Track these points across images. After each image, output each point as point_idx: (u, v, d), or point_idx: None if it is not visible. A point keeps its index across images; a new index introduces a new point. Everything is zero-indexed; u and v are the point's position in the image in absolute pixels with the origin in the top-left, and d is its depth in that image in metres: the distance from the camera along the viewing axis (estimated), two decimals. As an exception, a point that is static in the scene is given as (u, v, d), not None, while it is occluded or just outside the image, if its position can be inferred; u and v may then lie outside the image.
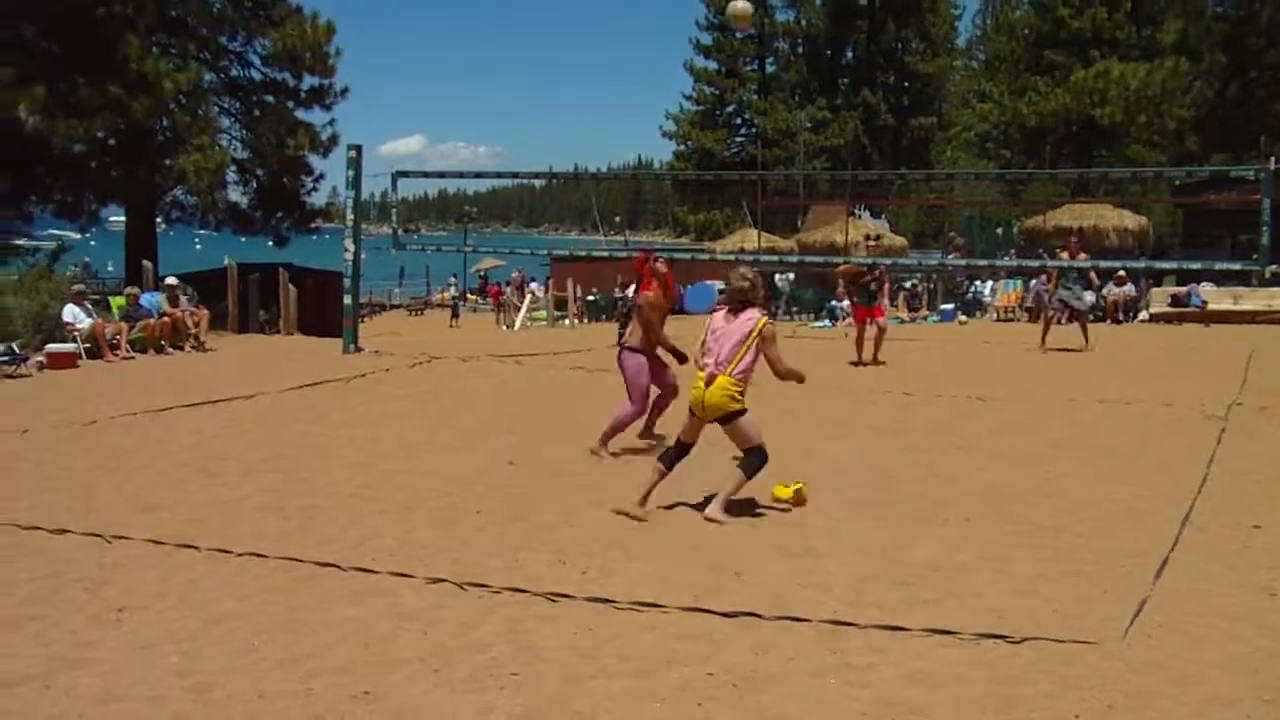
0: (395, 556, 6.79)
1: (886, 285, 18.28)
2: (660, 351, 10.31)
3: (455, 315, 40.74)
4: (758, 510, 8.06)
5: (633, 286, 15.83)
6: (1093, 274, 19.29)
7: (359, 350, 17.69)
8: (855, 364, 16.75)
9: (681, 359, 10.18)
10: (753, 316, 7.93)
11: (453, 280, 50.92)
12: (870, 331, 16.98)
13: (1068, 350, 18.21)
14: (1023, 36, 60.49)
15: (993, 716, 4.53)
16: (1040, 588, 6.15)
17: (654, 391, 10.39)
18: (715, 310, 8.35)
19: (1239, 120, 36.29)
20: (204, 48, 28.85)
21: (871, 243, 19.59)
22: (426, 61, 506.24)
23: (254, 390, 13.59)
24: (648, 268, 10.43)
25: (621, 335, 11.58)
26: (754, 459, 7.91)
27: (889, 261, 34.11)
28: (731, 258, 32.85)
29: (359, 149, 17.90)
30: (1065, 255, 18.36)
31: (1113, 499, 8.29)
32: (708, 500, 7.95)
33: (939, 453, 10.15)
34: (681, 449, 8.22)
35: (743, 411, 7.87)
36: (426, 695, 4.80)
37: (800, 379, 8.29)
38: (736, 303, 8.02)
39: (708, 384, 7.84)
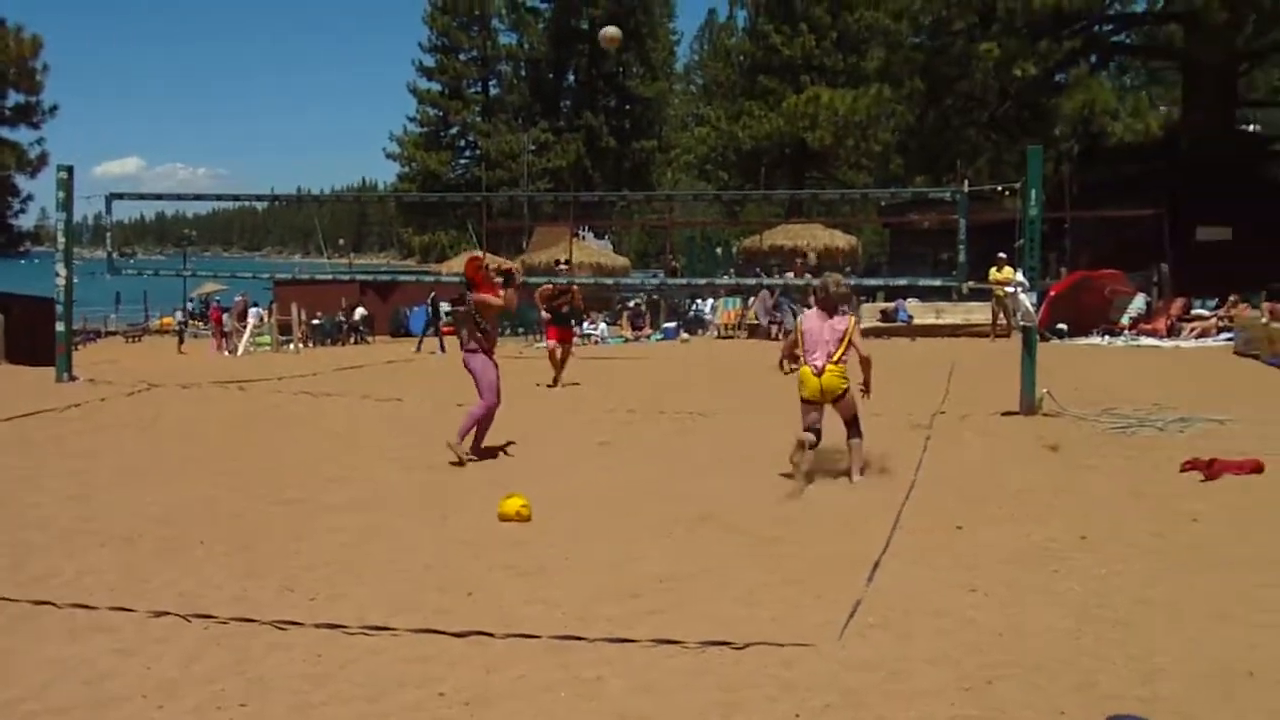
0: (115, 591, 6.56)
1: (579, 307, 18.46)
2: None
3: (181, 341, 39.46)
4: (488, 531, 8.12)
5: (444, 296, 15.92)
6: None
7: (73, 379, 16.92)
8: (550, 385, 16.92)
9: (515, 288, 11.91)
10: (845, 317, 9.81)
11: (188, 306, 49.32)
12: (560, 352, 17.24)
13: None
14: (738, 63, 62.58)
15: (717, 721, 4.70)
16: (761, 596, 6.38)
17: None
18: (806, 312, 10.28)
19: (937, 145, 38.27)
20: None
21: (563, 266, 19.95)
22: (144, 81, 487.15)
23: (-45, 424, 12.88)
24: (481, 273, 11.21)
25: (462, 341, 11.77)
26: (859, 423, 9.74)
27: (592, 281, 34.80)
28: (456, 279, 32.86)
29: (70, 170, 17.15)
30: (792, 275, 18.95)
31: (828, 508, 8.68)
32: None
33: (663, 468, 10.42)
34: (813, 435, 9.57)
35: (848, 390, 9.65)
36: (150, 731, 4.69)
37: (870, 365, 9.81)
38: (830, 307, 9.78)
39: (820, 374, 9.59)
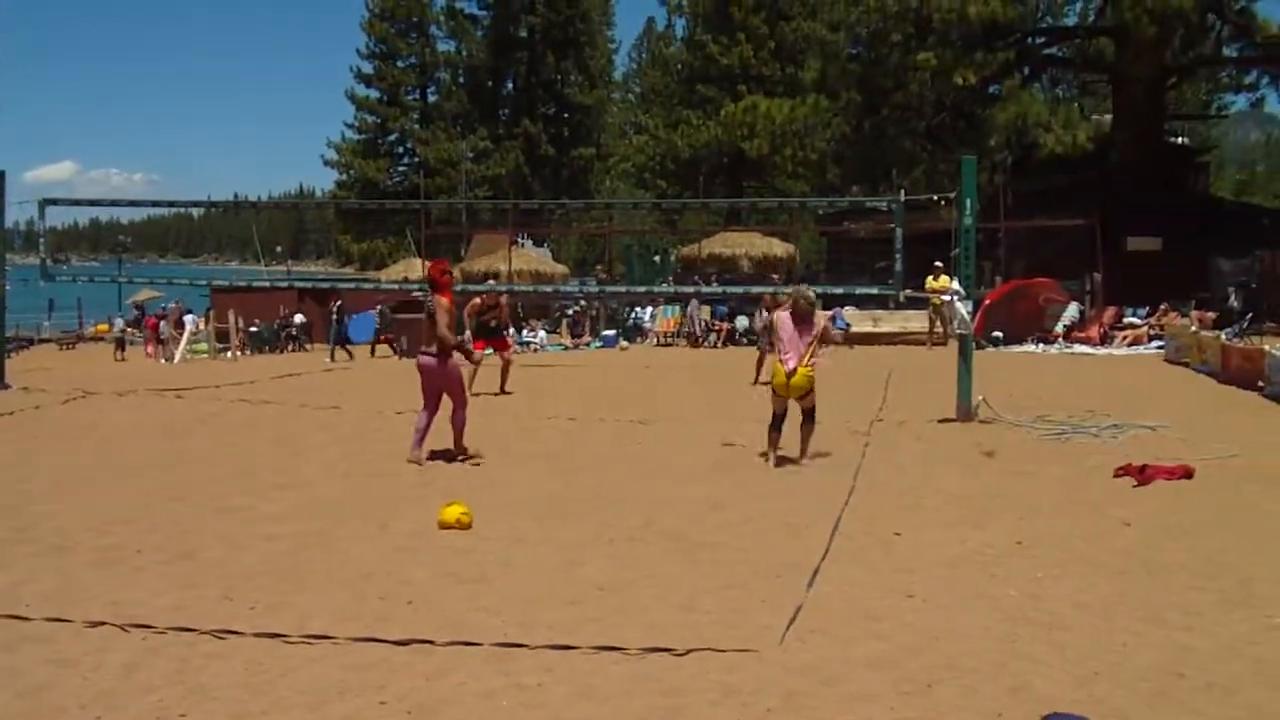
0: (51, 601, 6.48)
1: (505, 319, 18.39)
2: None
3: (121, 348, 38.96)
4: (429, 538, 8.11)
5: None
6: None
7: (6, 387, 16.74)
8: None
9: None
10: (818, 322, 10.92)
11: (133, 314, 48.69)
12: (499, 362, 17.13)
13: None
14: (676, 71, 62.69)
15: (661, 725, 4.74)
16: (702, 601, 6.43)
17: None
18: (777, 313, 11.31)
19: (874, 154, 38.51)
20: None
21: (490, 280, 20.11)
22: (77, 84, 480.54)
23: (-116, 433, 12.69)
24: (445, 277, 11.41)
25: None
26: (814, 414, 11.07)
27: (530, 289, 34.78)
28: (395, 286, 32.70)
29: (2, 174, 16.95)
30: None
31: (768, 514, 8.74)
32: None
33: (603, 475, 10.46)
34: (779, 418, 10.97)
35: (813, 389, 10.90)
36: (89, 741, 4.66)
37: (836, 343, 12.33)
38: (805, 313, 10.82)
39: (791, 374, 10.71)
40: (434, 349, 11.06)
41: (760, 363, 17.78)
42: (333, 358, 30.11)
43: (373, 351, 31.57)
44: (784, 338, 10.84)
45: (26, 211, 17.77)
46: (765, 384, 17.74)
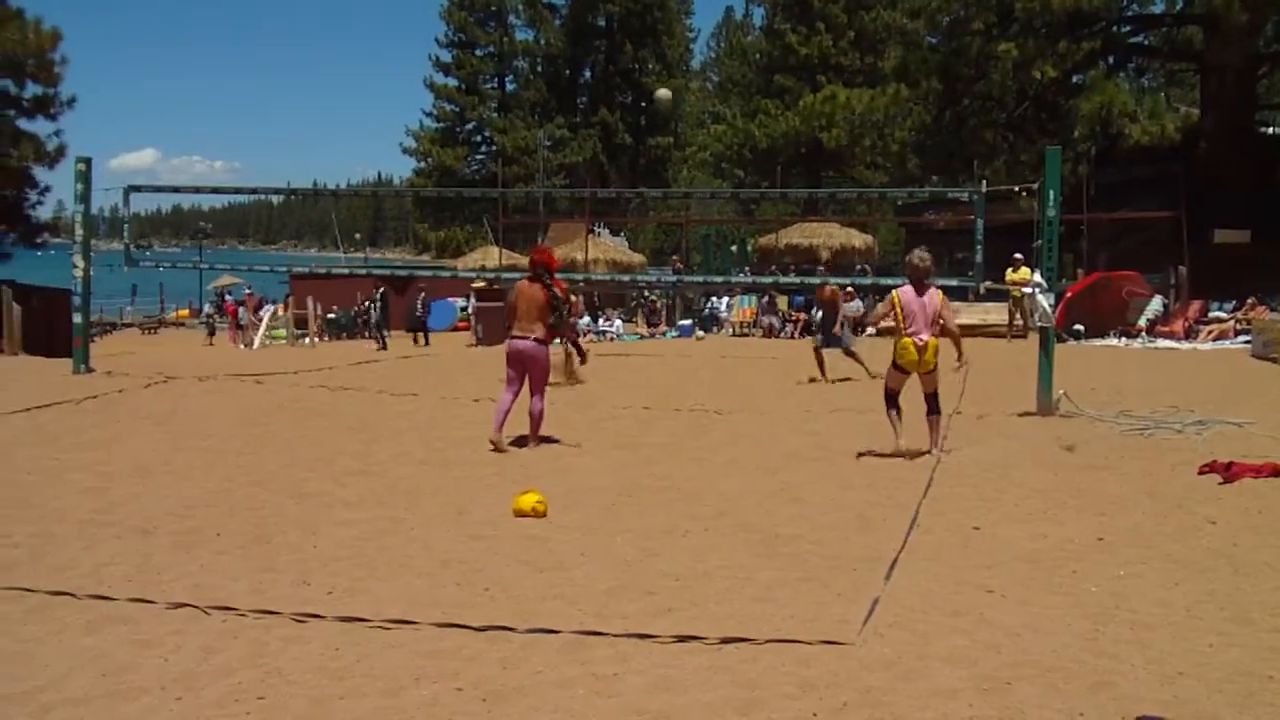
0: (133, 582, 6.58)
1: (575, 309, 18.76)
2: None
3: (211, 333, 39.60)
4: (504, 526, 8.13)
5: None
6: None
7: (90, 370, 16.98)
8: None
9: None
10: (935, 292, 10.58)
11: (214, 299, 49.48)
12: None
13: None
14: (754, 61, 62.49)
15: (735, 718, 4.68)
16: (778, 593, 6.38)
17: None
18: (898, 291, 10.74)
19: (954, 144, 38.14)
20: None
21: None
22: (162, 74, 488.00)
23: (-26, 414, 12.92)
24: (557, 263, 12.02)
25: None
26: (938, 399, 10.84)
27: (608, 279, 34.81)
28: (473, 274, 32.89)
29: (88, 162, 17.21)
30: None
31: (845, 506, 8.66)
32: None
33: (678, 465, 10.42)
34: (895, 396, 10.92)
35: (937, 365, 10.64)
36: (168, 723, 4.70)
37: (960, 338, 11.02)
38: (920, 281, 10.54)
39: (923, 348, 10.49)
40: (532, 334, 11.11)
41: (820, 360, 17.63)
42: (383, 345, 30.25)
43: (416, 339, 31.59)
44: (906, 306, 10.53)
45: (111, 198, 18.05)
46: (839, 380, 17.72)
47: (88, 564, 7.01)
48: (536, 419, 11.32)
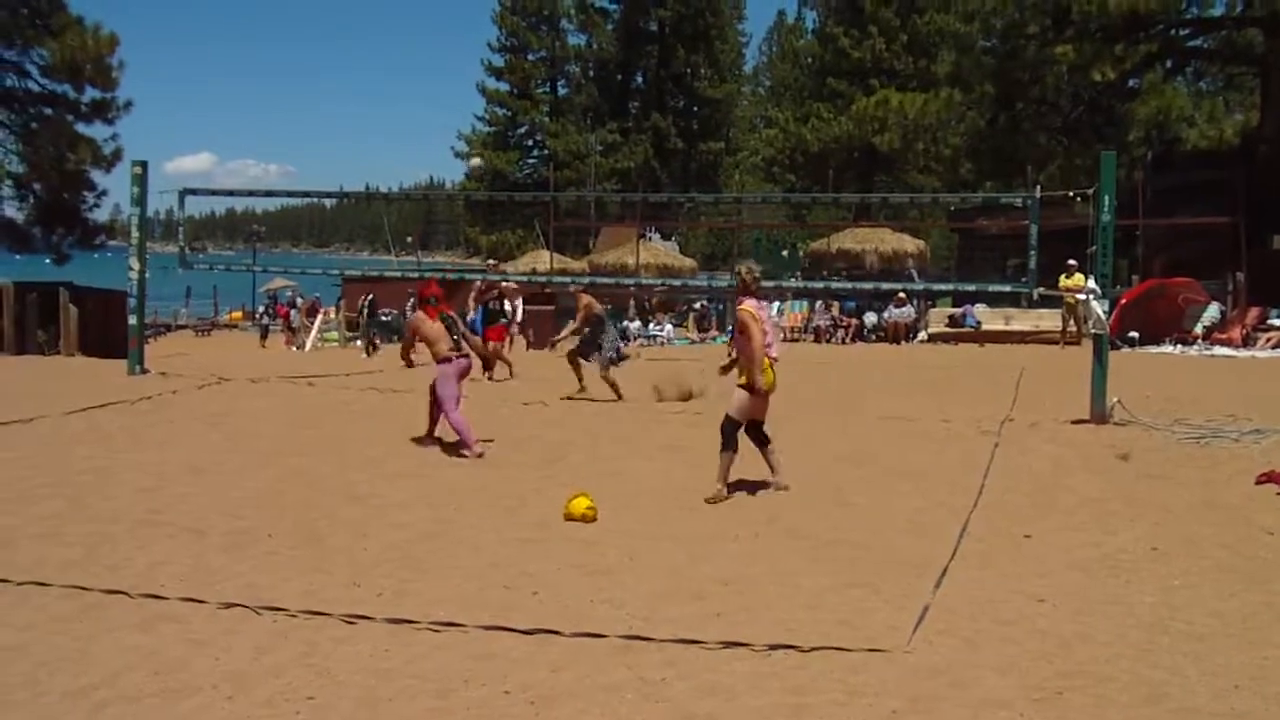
0: (186, 582, 6.65)
1: (508, 305, 19.35)
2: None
3: (264, 336, 39.92)
4: (553, 529, 8.14)
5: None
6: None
7: (145, 372, 17.13)
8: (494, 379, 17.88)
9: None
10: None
11: (267, 302, 49.94)
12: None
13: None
14: (806, 65, 62.31)
15: (782, 724, 4.68)
16: (827, 600, 6.36)
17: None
18: (743, 302, 9.35)
19: (1008, 149, 37.81)
20: (-24, 56, 27.70)
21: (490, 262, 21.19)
22: (217, 78, 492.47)
23: (33, 414, 13.04)
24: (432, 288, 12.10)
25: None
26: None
27: (659, 283, 34.84)
28: (524, 278, 33.00)
29: (144, 165, 17.35)
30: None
31: (895, 512, 8.62)
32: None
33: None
34: (738, 430, 9.33)
35: None
36: (220, 722, 4.74)
37: None
38: (755, 293, 9.34)
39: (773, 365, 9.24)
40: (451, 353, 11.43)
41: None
42: (368, 352, 28.37)
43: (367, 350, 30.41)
44: (768, 328, 9.34)
45: (166, 201, 18.27)
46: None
47: (142, 563, 7.09)
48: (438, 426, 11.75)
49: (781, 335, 9.10)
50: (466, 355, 11.64)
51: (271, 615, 6.07)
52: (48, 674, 5.23)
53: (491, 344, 17.84)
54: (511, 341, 19.62)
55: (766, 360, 9.13)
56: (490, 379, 17.80)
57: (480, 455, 10.94)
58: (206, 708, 4.88)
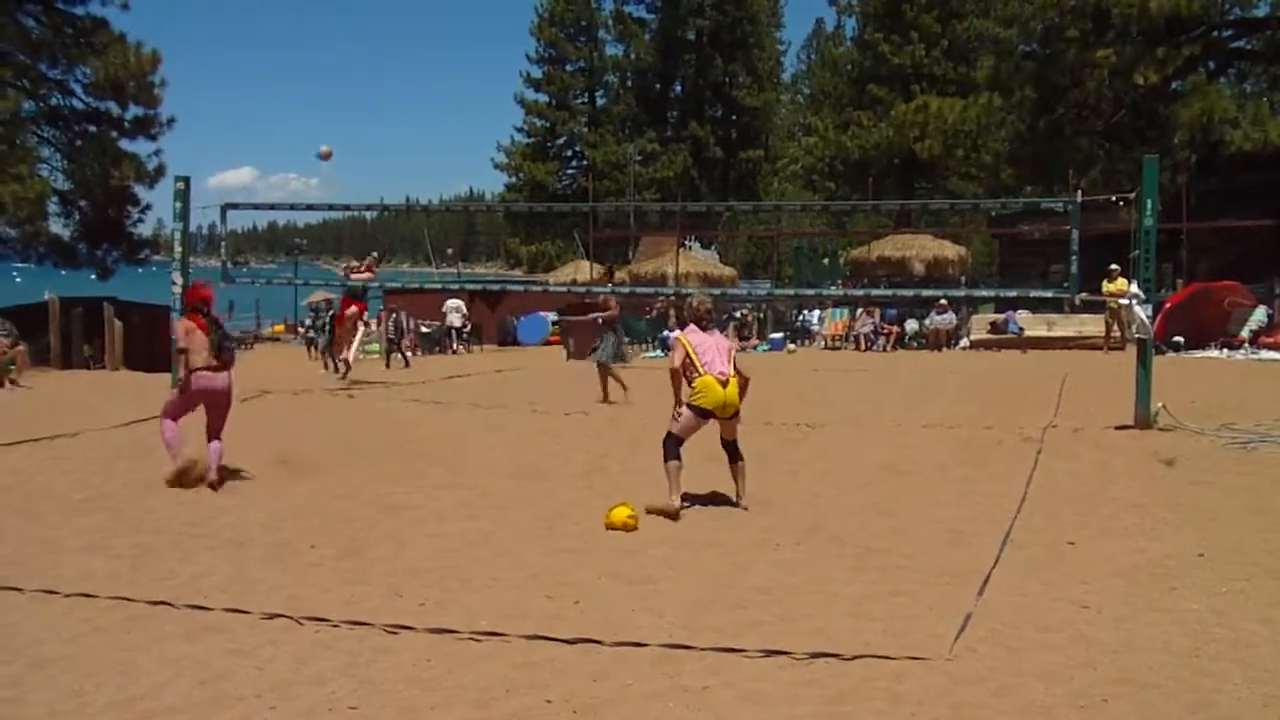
0: (228, 593, 6.68)
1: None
2: None
3: (310, 348, 39.91)
4: (594, 539, 8.15)
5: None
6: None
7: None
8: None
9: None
10: (724, 335, 9.94)
11: (310, 315, 50.13)
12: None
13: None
14: (846, 72, 62.10)
15: (825, 733, 4.66)
16: (869, 608, 6.33)
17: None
18: (681, 334, 9.60)
19: (1049, 154, 37.62)
20: (22, 75, 27.93)
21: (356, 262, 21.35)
22: (258, 93, 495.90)
23: (78, 427, 13.18)
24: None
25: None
26: (739, 445, 9.51)
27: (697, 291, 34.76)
28: (564, 289, 33.05)
29: (187, 180, 17.51)
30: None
31: (937, 520, 8.58)
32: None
33: (769, 479, 10.34)
34: (679, 443, 9.32)
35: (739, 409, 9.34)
36: (263, 731, 4.76)
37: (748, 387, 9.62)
38: (709, 322, 9.58)
39: (725, 384, 9.09)
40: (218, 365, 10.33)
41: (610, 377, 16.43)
42: (326, 366, 25.91)
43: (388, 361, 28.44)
44: (707, 347, 9.26)
45: (209, 215, 18.42)
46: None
47: (185, 574, 7.14)
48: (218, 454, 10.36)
49: (736, 350, 8.83)
50: (225, 370, 10.40)
51: (314, 626, 6.09)
52: (94, 685, 5.26)
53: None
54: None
55: (711, 379, 9.09)
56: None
57: (179, 469, 9.92)
58: (249, 717, 4.89)
